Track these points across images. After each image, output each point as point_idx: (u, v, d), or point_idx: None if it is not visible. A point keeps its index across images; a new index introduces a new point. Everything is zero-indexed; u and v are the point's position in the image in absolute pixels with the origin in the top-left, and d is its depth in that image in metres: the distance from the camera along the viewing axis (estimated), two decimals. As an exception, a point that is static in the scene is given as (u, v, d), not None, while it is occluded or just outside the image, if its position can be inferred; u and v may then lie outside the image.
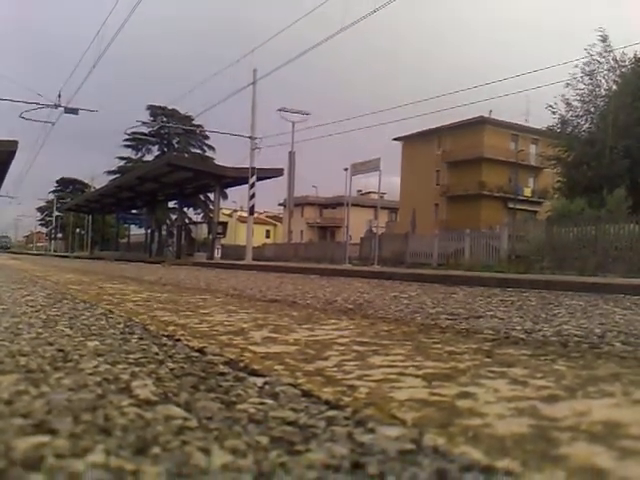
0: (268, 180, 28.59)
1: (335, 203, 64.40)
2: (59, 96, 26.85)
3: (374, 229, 29.52)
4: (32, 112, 26.67)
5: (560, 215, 23.07)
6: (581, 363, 1.82)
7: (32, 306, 3.30)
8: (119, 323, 2.62)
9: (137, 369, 1.55)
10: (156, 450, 0.91)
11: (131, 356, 1.75)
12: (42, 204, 78.20)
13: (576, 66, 26.83)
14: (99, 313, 3.04)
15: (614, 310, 4.12)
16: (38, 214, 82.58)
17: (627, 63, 27.20)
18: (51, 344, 1.95)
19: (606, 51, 26.79)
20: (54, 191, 77.79)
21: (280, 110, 30.66)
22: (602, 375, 1.62)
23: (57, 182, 78.39)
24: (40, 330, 2.30)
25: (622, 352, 2.07)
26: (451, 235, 23.98)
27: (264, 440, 0.97)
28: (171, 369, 1.57)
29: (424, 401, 1.27)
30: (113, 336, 2.20)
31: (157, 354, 1.81)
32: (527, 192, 48.84)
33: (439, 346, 2.11)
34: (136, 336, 2.21)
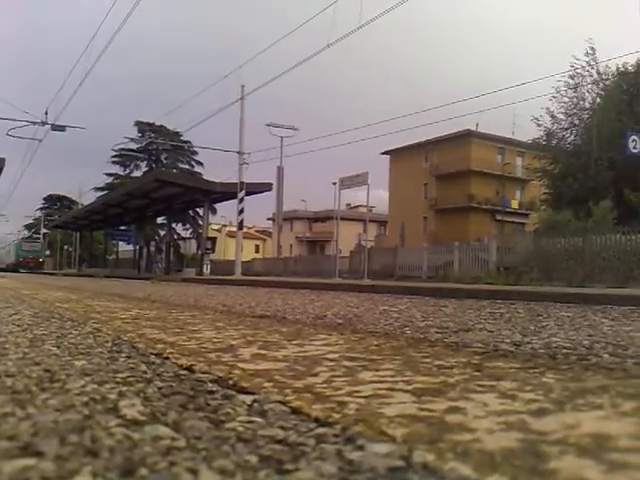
0: (257, 195, 28.60)
1: (324, 217, 64.50)
2: (46, 113, 26.81)
3: (363, 242, 29.54)
4: (19, 129, 26.49)
5: (547, 227, 23.27)
6: (569, 375, 1.83)
7: (19, 325, 3.27)
8: (107, 341, 2.60)
9: (125, 388, 1.54)
10: (143, 471, 0.90)
11: (119, 375, 1.74)
12: (30, 221, 77.65)
13: (558, 81, 27.19)
14: (87, 331, 3.02)
15: (602, 321, 4.15)
16: (26, 231, 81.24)
17: (610, 76, 27.60)
18: (38, 364, 1.93)
19: (589, 64, 27.17)
20: (41, 208, 77.39)
21: (268, 125, 30.76)
22: (590, 387, 1.62)
23: (44, 199, 78.07)
24: (27, 350, 2.28)
25: (610, 364, 2.08)
26: (440, 248, 24.09)
27: (253, 459, 0.97)
28: (159, 388, 1.55)
29: (413, 416, 1.26)
30: (101, 355, 2.18)
31: (145, 373, 1.80)
32: (514, 204, 49.18)
33: (428, 360, 2.11)
34: (124, 354, 2.20)
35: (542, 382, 1.70)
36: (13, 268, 56.41)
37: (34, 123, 26.75)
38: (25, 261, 58.61)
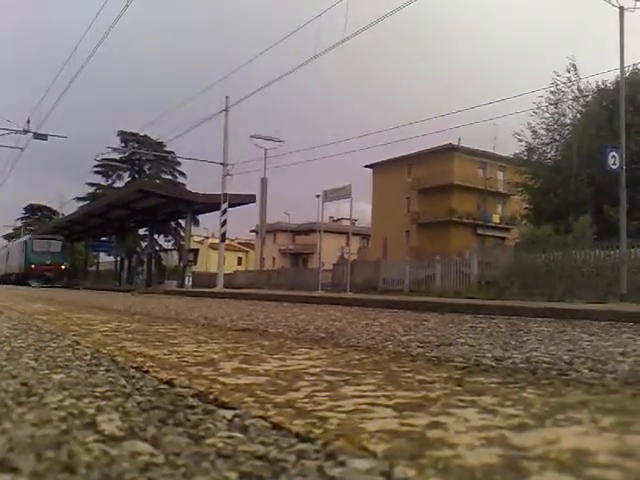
0: (240, 207, 28.54)
1: (307, 230, 64.50)
2: (28, 122, 26.61)
3: (346, 256, 29.58)
4: (0, 138, 25.82)
5: (528, 241, 23.48)
6: (550, 390, 1.84)
7: (-4, 337, 3.22)
8: (86, 355, 2.56)
9: (103, 403, 1.52)
10: (121, 489, 0.89)
11: (97, 389, 1.72)
12: (9, 231, 76.55)
13: (540, 97, 27.56)
14: (65, 344, 2.98)
15: (581, 336, 4.18)
16: (5, 242, 79.69)
17: (590, 93, 28.04)
18: (15, 377, 1.90)
19: (570, 81, 27.59)
20: (22, 218, 76.51)
21: (253, 137, 30.80)
22: (570, 402, 1.63)
23: (25, 209, 77.14)
24: (4, 363, 2.24)
25: (590, 379, 2.10)
26: (422, 262, 24.18)
27: (233, 476, 0.96)
28: (138, 402, 1.54)
29: (395, 432, 1.26)
30: (79, 368, 2.15)
31: (124, 387, 1.77)
32: (496, 218, 49.60)
33: (410, 375, 2.12)
34: (103, 368, 2.17)
35: (522, 397, 1.70)
36: (20, 279, 39.86)
37: (16, 131, 26.54)
38: (39, 269, 40.21)
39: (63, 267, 42.98)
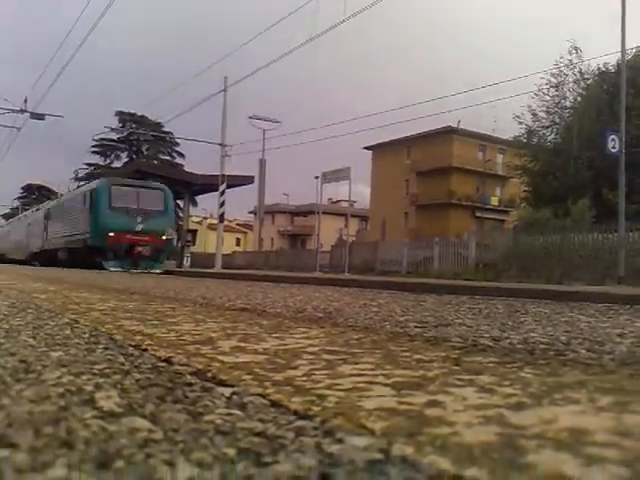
0: (238, 188, 28.48)
1: (306, 211, 64.47)
2: (25, 101, 26.43)
3: (345, 237, 29.56)
4: (-3, 117, 25.34)
5: (526, 224, 23.50)
6: (547, 370, 1.84)
7: (-6, 315, 3.22)
8: (84, 333, 2.57)
9: (102, 380, 1.52)
10: (120, 464, 0.89)
11: (96, 367, 1.72)
12: (7, 211, 76.31)
13: (542, 78, 27.40)
14: (64, 322, 2.98)
15: (579, 317, 4.20)
16: (3, 221, 79.09)
17: (591, 76, 27.87)
18: (13, 354, 1.90)
19: (572, 63, 27.41)
20: (19, 197, 76.32)
21: (251, 118, 30.63)
22: (568, 382, 1.64)
23: (23, 188, 76.97)
24: (2, 340, 2.24)
25: (587, 359, 2.11)
26: (420, 243, 24.21)
27: (231, 452, 0.96)
28: (137, 380, 1.54)
29: (393, 410, 1.26)
30: (78, 346, 2.15)
31: (123, 364, 1.78)
32: (494, 201, 49.60)
33: (408, 354, 2.12)
34: (101, 346, 2.17)
35: (520, 377, 1.71)
36: (83, 258, 24.83)
37: (13, 111, 26.37)
38: (124, 239, 24.42)
39: (165, 238, 25.51)
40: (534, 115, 28.83)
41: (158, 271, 22.52)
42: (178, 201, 41.61)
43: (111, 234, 24.09)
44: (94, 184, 27.74)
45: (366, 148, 53.66)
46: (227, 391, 1.42)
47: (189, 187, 28.73)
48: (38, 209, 40.47)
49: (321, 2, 18.19)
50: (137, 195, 25.59)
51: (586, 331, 3.19)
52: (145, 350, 2.07)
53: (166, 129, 45.79)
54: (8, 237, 47.06)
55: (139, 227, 24.84)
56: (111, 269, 23.20)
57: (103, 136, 46.34)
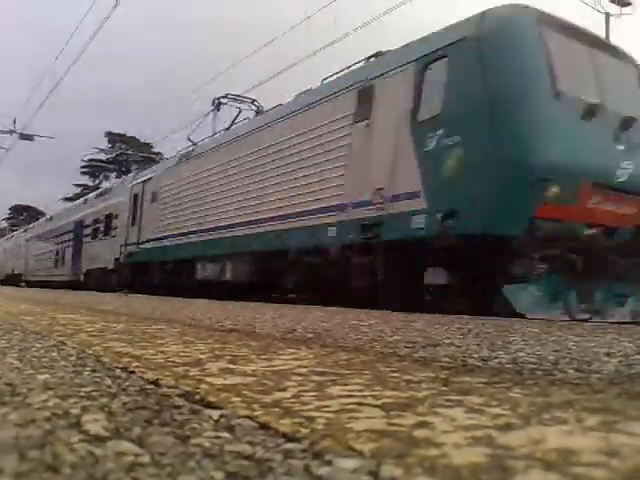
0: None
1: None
2: (14, 122, 26.41)
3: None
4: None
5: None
6: (536, 390, 1.84)
7: (-21, 338, 3.18)
8: (71, 355, 2.54)
9: (88, 403, 1.50)
10: (106, 488, 0.88)
11: (83, 389, 1.70)
12: (-6, 231, 75.61)
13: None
14: (51, 344, 2.95)
15: (567, 337, 4.21)
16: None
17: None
18: (-2, 378, 1.88)
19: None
20: (7, 218, 75.89)
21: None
22: (556, 402, 1.64)
23: (10, 209, 76.57)
24: (-13, 363, 2.22)
25: (575, 379, 2.11)
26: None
27: (219, 475, 0.95)
28: (124, 403, 1.52)
29: (382, 431, 1.26)
30: (64, 368, 2.13)
31: (110, 387, 1.76)
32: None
33: (397, 375, 2.12)
34: (88, 368, 2.15)
35: (509, 397, 1.71)
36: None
37: (2, 132, 26.33)
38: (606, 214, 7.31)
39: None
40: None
41: None
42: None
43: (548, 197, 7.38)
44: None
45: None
46: (215, 413, 1.41)
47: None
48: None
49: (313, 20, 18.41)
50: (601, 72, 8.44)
51: (574, 350, 3.20)
52: (132, 372, 2.06)
53: (157, 149, 45.90)
54: None
55: (624, 174, 8.04)
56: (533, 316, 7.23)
57: (92, 156, 46.32)
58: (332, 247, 10.15)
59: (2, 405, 1.45)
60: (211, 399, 1.58)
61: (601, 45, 9.05)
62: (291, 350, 2.91)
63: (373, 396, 1.68)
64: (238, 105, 18.87)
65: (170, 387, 1.76)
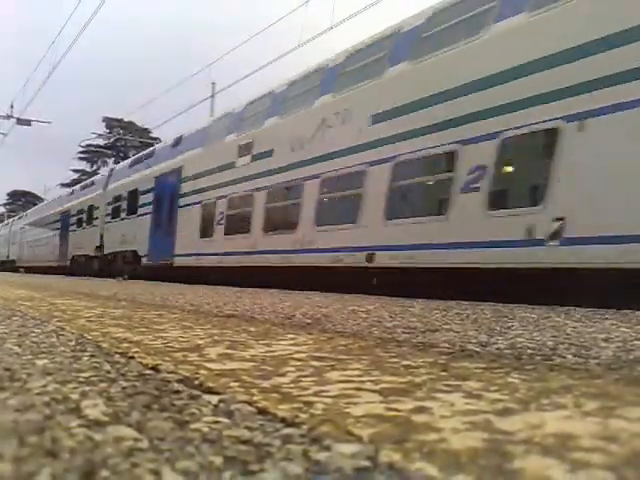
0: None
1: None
2: (11, 107, 26.27)
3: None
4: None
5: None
6: (534, 375, 1.85)
7: (-22, 323, 3.18)
8: (70, 340, 2.55)
9: (87, 388, 1.50)
10: (105, 473, 0.88)
11: (82, 375, 1.70)
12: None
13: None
14: (50, 330, 2.95)
15: (565, 322, 4.22)
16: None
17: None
18: (-3, 363, 1.88)
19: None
20: (5, 204, 75.74)
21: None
22: (554, 387, 1.64)
23: (8, 194, 76.37)
24: (-14, 348, 2.22)
25: (574, 364, 2.12)
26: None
27: (217, 460, 0.95)
28: (123, 388, 1.53)
29: (380, 416, 1.26)
30: (63, 354, 2.13)
31: (109, 372, 1.76)
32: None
33: (396, 360, 2.12)
34: (87, 354, 2.15)
35: (507, 382, 1.71)
36: None
37: (-1, 117, 26.19)
38: None
39: None
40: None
41: None
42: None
43: None
44: None
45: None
46: (214, 399, 1.41)
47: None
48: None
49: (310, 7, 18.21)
50: None
51: (572, 336, 3.20)
52: (132, 357, 2.06)
53: (155, 135, 45.67)
54: None
55: None
56: None
57: (90, 142, 46.14)
58: None
59: (2, 390, 1.45)
60: (210, 384, 1.58)
61: None
62: (290, 335, 2.92)
63: (372, 381, 1.68)
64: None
65: (169, 372, 1.77)
